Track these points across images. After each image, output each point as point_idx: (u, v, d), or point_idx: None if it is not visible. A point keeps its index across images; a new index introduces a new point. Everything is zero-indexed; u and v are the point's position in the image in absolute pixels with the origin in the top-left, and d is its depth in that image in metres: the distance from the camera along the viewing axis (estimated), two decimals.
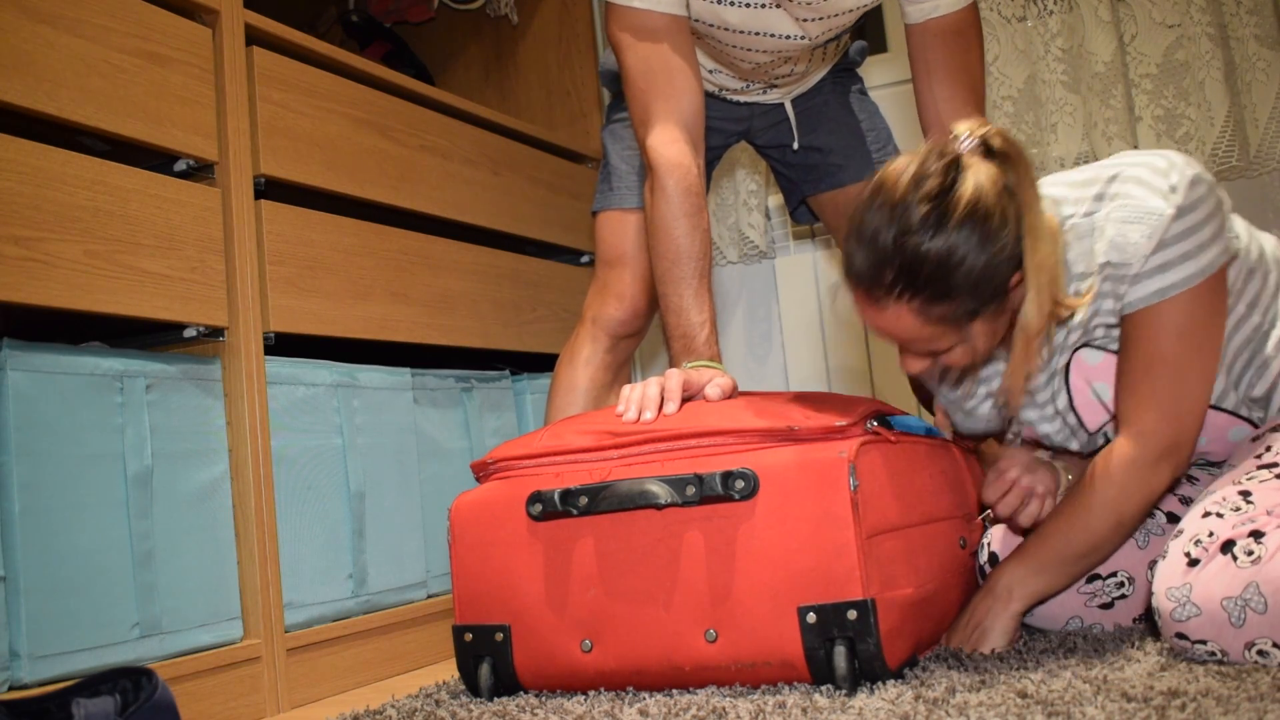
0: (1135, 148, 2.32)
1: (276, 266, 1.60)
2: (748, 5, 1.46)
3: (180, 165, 1.51)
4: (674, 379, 1.34)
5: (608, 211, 1.75)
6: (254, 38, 1.64)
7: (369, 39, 2.48)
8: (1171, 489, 1.45)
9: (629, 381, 1.71)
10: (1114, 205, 1.22)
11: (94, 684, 1.02)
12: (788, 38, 1.50)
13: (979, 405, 1.42)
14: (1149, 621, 1.34)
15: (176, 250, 1.45)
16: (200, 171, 1.54)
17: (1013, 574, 1.29)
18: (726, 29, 1.51)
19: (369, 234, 1.78)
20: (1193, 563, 1.12)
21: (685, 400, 1.33)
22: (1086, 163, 2.31)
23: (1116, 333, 1.27)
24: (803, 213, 1.92)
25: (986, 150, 1.19)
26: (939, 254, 1.14)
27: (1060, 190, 1.27)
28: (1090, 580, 1.36)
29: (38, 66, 1.31)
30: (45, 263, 1.29)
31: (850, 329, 2.53)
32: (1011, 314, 1.23)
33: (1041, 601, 1.34)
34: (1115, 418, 1.29)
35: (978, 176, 1.16)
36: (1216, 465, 1.43)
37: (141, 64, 1.44)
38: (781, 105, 1.78)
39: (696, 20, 1.50)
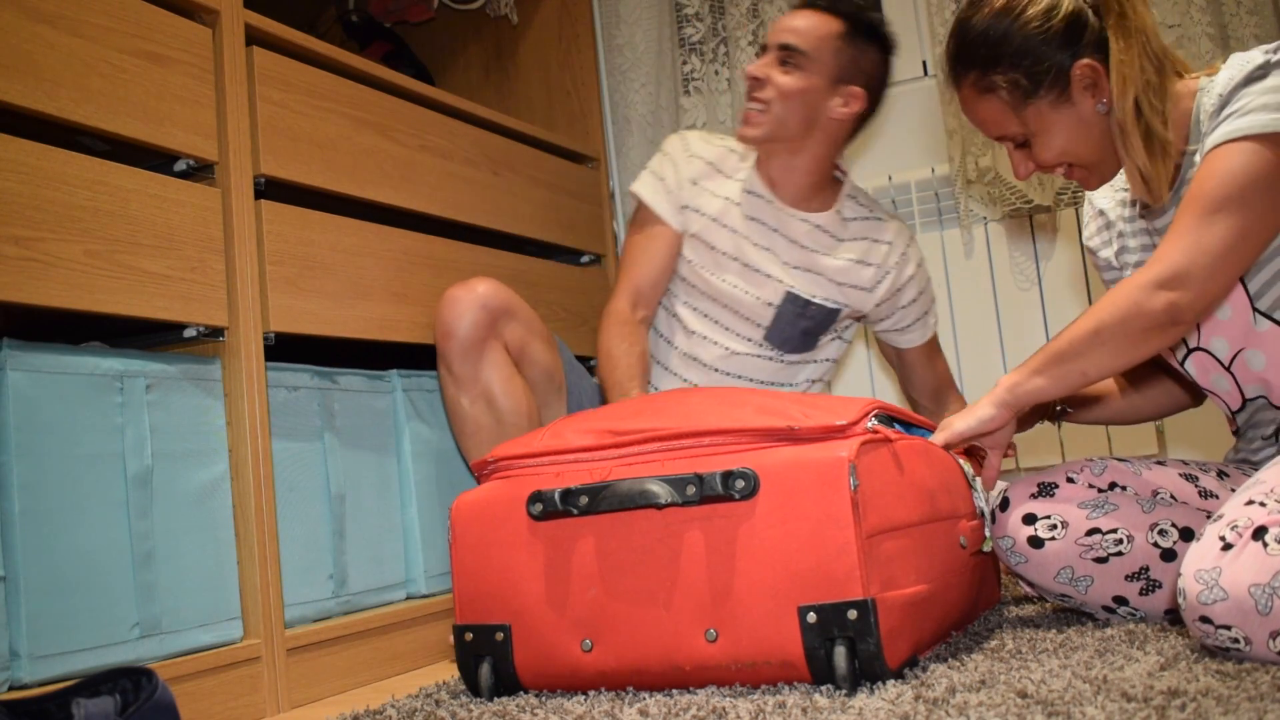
0: None
1: (276, 266, 1.60)
2: (736, 231, 1.93)
3: (180, 165, 1.51)
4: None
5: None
6: (254, 38, 1.64)
7: (369, 39, 2.48)
8: (1189, 473, 1.45)
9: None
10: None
11: (94, 684, 1.01)
12: (769, 276, 1.93)
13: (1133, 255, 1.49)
14: (1142, 580, 1.35)
15: (176, 250, 1.45)
16: (200, 171, 1.54)
17: (1008, 376, 1.38)
18: (715, 250, 1.94)
19: (369, 234, 1.78)
20: (1226, 547, 1.10)
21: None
22: None
23: None
24: None
25: None
26: (983, 27, 1.36)
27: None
28: (1090, 534, 1.36)
29: (38, 66, 1.31)
30: (45, 263, 1.29)
31: None
32: (1089, 112, 1.35)
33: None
34: None
35: None
36: (1255, 466, 1.43)
37: (141, 64, 1.44)
38: None
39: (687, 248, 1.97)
